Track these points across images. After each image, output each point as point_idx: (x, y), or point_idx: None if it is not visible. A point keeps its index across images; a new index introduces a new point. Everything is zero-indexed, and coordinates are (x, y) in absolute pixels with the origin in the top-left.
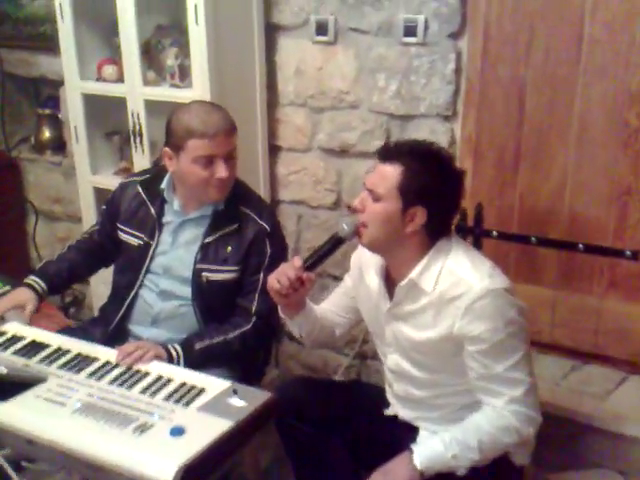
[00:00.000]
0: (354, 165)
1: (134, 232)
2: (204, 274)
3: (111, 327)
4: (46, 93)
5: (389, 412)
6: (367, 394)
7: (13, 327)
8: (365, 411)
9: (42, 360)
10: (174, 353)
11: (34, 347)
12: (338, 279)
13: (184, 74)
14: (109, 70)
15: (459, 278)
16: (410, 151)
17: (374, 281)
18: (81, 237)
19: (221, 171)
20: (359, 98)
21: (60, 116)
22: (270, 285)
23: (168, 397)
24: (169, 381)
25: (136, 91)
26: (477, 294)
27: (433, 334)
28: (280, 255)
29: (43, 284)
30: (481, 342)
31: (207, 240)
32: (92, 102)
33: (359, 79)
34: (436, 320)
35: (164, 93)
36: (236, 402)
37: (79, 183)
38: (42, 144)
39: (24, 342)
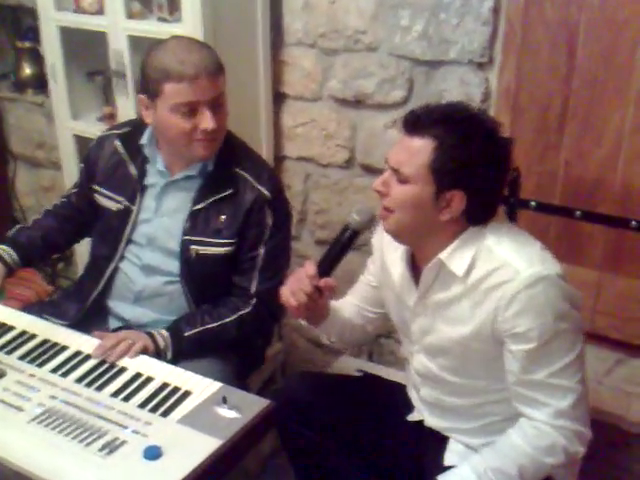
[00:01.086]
0: (370, 118)
1: (112, 195)
2: (193, 247)
3: (88, 304)
4: (27, 24)
5: (413, 417)
6: (385, 393)
7: None
8: (382, 415)
9: (1, 347)
10: (161, 341)
11: None
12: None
13: (174, 6)
14: None
15: (502, 261)
16: (445, 120)
17: (397, 267)
18: (59, 201)
19: (207, 121)
20: (378, 39)
21: (41, 50)
22: (285, 301)
23: (145, 403)
24: (148, 380)
25: (118, 25)
26: (525, 281)
27: (470, 329)
28: (283, 226)
29: (14, 254)
30: (527, 340)
31: (196, 207)
32: (71, 36)
33: (378, 16)
34: (474, 313)
35: (150, 28)
36: (226, 413)
37: (58, 129)
38: (22, 82)
39: None
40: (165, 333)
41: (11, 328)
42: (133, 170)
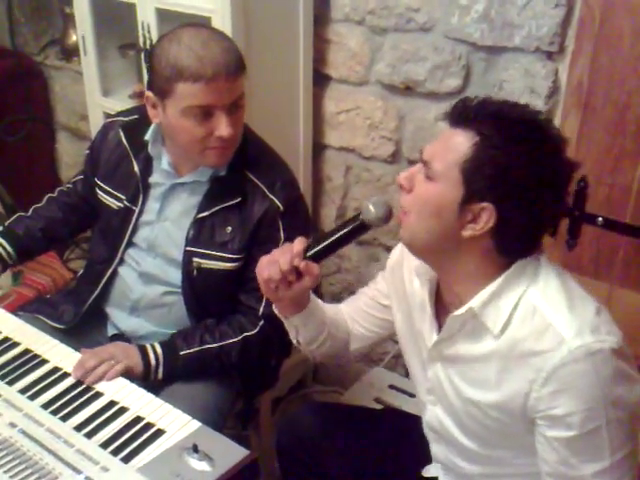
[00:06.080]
0: (420, 108)
1: (113, 192)
2: (195, 260)
3: (84, 308)
4: None
5: (428, 472)
6: (402, 437)
7: None
8: (394, 466)
9: None
10: (152, 359)
11: None
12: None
13: None
14: None
15: (546, 323)
16: (497, 115)
17: (418, 296)
18: (64, 187)
19: (222, 128)
20: (433, 18)
21: None
22: (259, 272)
23: (108, 442)
24: (121, 412)
25: None
26: (570, 354)
27: (494, 398)
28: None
29: (9, 247)
30: (565, 427)
31: (201, 215)
32: (102, 6)
33: None
34: (502, 379)
35: (179, 1)
36: (195, 464)
37: (88, 106)
38: (69, 49)
39: None
40: (159, 349)
41: None
42: (136, 167)
